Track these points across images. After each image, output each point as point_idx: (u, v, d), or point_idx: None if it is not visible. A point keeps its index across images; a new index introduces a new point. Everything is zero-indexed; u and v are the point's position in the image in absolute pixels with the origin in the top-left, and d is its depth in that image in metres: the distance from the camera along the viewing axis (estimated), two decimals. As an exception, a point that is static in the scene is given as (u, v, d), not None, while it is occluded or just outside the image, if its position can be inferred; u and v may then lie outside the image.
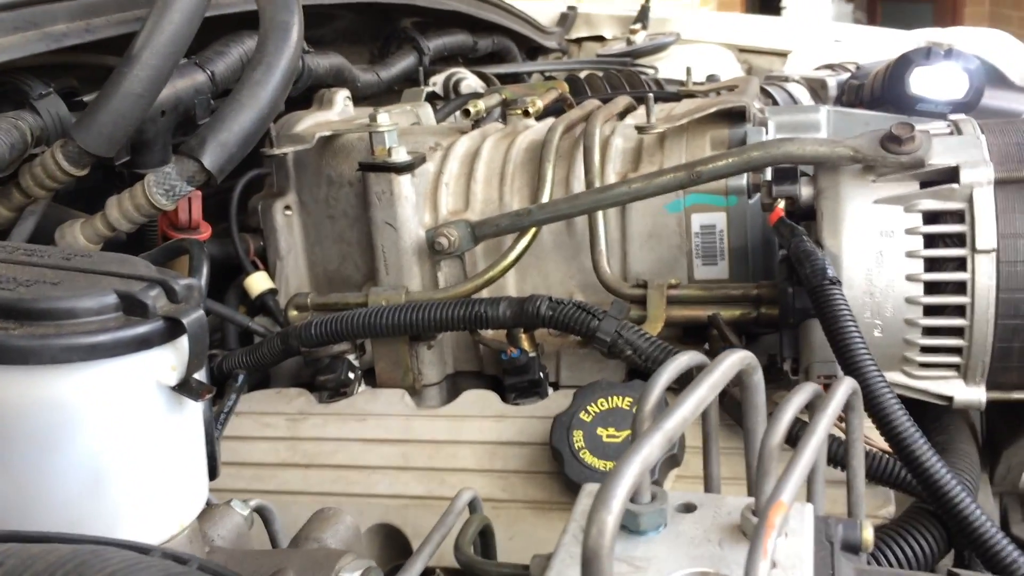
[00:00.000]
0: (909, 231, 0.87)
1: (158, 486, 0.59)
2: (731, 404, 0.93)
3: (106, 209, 1.01)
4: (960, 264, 0.86)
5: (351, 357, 1.12)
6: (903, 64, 1.38)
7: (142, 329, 0.57)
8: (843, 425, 0.66)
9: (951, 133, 0.92)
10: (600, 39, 2.63)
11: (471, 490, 0.73)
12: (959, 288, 0.86)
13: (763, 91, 1.73)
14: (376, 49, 1.85)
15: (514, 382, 1.08)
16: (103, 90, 0.94)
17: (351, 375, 1.11)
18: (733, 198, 1.10)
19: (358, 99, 1.46)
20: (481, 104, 1.38)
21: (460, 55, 2.00)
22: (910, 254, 0.87)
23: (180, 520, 0.62)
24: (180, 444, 0.61)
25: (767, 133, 1.15)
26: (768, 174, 1.01)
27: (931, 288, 0.87)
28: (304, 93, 1.39)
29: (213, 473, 0.68)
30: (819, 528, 0.52)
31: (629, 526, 0.52)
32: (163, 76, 0.95)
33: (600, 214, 1.11)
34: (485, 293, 1.13)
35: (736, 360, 0.54)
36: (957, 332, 0.87)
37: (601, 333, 0.98)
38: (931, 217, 0.87)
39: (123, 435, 0.57)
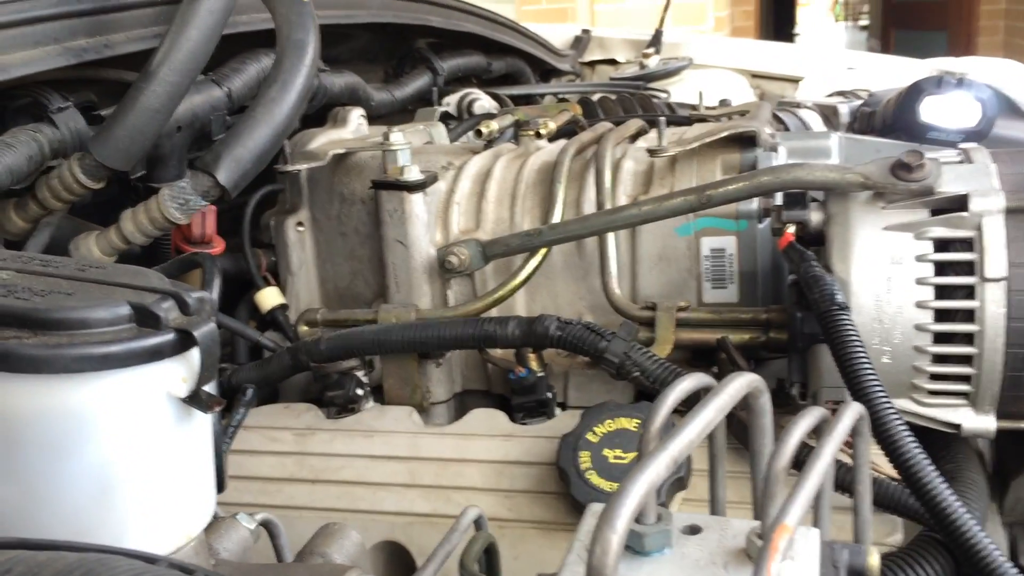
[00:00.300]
0: (919, 258, 0.87)
1: (166, 497, 0.60)
2: (739, 428, 0.93)
3: (120, 222, 1.02)
4: (970, 292, 0.86)
5: (360, 374, 1.13)
6: (914, 92, 1.38)
7: (154, 340, 0.58)
8: (850, 451, 0.66)
9: (961, 161, 0.92)
10: (613, 62, 2.65)
11: (476, 508, 0.73)
12: (968, 316, 0.86)
13: (775, 117, 1.74)
14: (391, 69, 1.86)
15: (522, 402, 1.08)
16: (121, 105, 0.95)
17: (359, 391, 1.11)
18: (743, 222, 1.10)
19: (372, 118, 1.47)
20: (494, 125, 1.39)
21: (474, 76, 2.01)
22: (920, 281, 0.87)
23: (187, 532, 0.62)
24: (189, 456, 0.62)
25: (778, 158, 1.15)
26: (778, 199, 1.01)
27: (940, 316, 0.87)
28: (319, 111, 1.40)
29: (220, 486, 0.68)
30: (825, 553, 0.52)
31: (634, 546, 0.52)
32: (180, 92, 0.97)
33: (610, 236, 1.11)
34: (495, 312, 1.14)
35: (743, 383, 0.54)
36: (966, 360, 0.87)
37: (609, 354, 0.98)
38: (941, 245, 0.87)
39: (133, 445, 0.57)
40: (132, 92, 0.95)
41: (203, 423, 0.63)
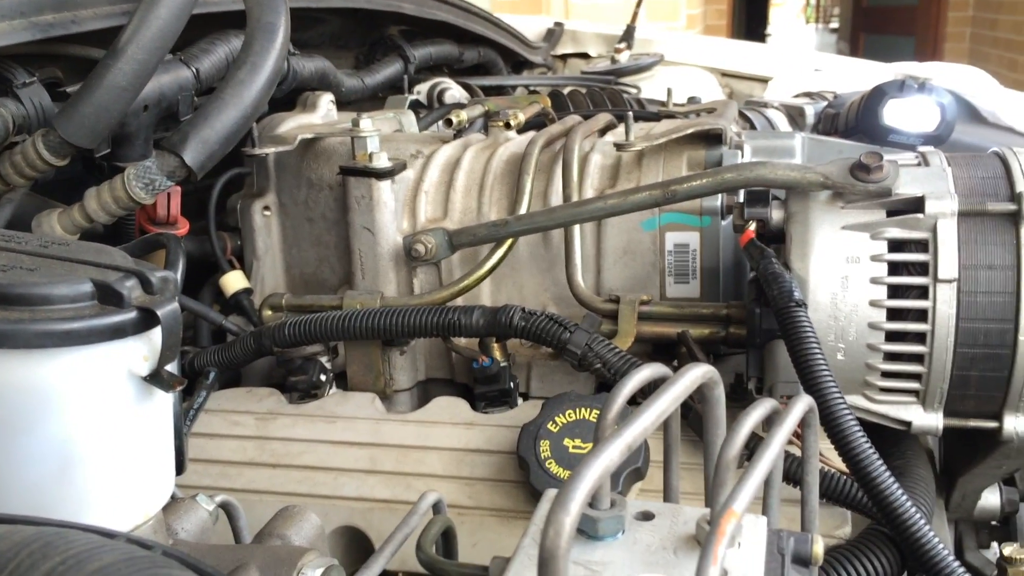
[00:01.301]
0: (874, 258, 0.90)
1: (125, 475, 0.60)
2: (696, 420, 0.95)
3: (84, 200, 1.01)
4: (922, 292, 0.88)
5: (323, 359, 1.13)
6: (877, 96, 1.41)
7: (117, 318, 0.58)
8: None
9: (919, 164, 0.94)
10: (585, 56, 2.67)
11: (435, 493, 0.73)
12: (920, 316, 0.88)
13: (742, 115, 1.76)
14: (362, 55, 1.86)
15: (484, 391, 1.09)
16: (87, 82, 0.94)
17: (323, 377, 1.11)
18: (707, 219, 1.12)
19: (342, 104, 1.47)
20: (464, 115, 1.39)
21: (445, 65, 2.01)
22: (875, 280, 0.89)
23: (145, 510, 0.62)
24: (149, 434, 0.62)
25: (743, 156, 1.17)
26: (741, 196, 1.03)
27: (893, 314, 0.89)
28: (288, 95, 1.40)
29: (180, 468, 0.68)
30: (771, 540, 0.54)
31: (588, 531, 0.53)
32: (148, 71, 0.96)
33: (576, 228, 1.13)
34: (460, 301, 1.15)
35: (698, 375, 0.55)
36: (917, 359, 0.90)
37: (572, 345, 0.99)
38: (896, 245, 0.90)
39: (93, 422, 0.57)
40: (99, 69, 0.94)
41: (164, 402, 0.63)
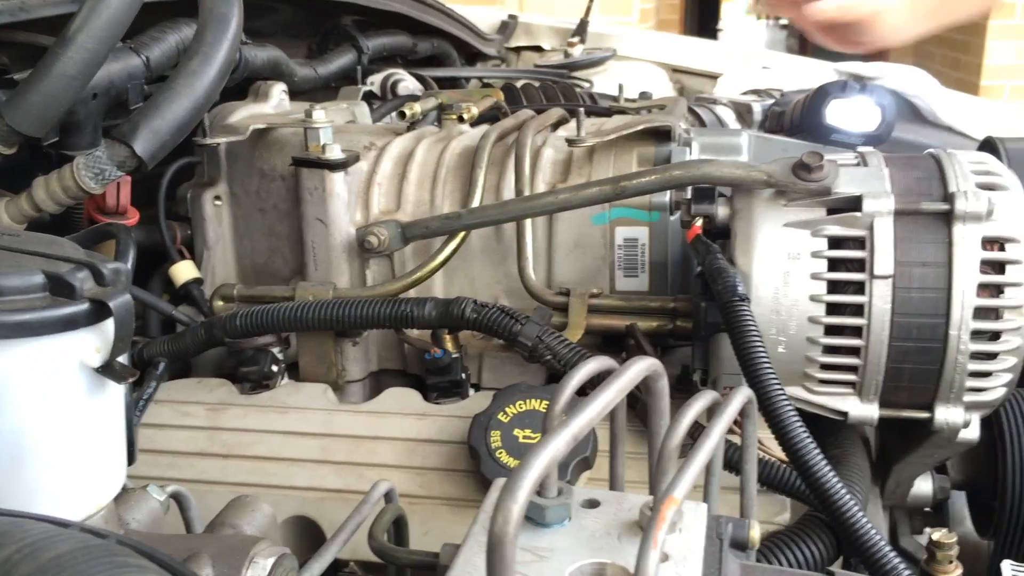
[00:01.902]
0: (815, 254, 0.93)
1: (76, 466, 0.60)
2: (643, 411, 0.97)
3: (32, 189, 1.00)
4: (859, 288, 0.91)
5: (275, 350, 1.13)
6: (820, 95, 1.45)
7: (68, 310, 0.58)
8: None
9: (858, 164, 0.98)
10: (539, 49, 2.68)
11: (387, 481, 0.75)
12: (857, 310, 0.92)
13: (692, 111, 1.79)
14: (315, 45, 1.85)
15: (436, 382, 1.10)
16: (36, 70, 0.93)
17: (274, 368, 1.12)
18: (656, 214, 1.14)
19: (295, 94, 1.47)
20: (417, 107, 1.40)
21: (399, 56, 2.01)
22: (814, 276, 0.92)
23: (96, 501, 0.62)
24: (100, 425, 0.62)
25: (691, 153, 1.19)
26: (688, 193, 1.06)
27: (832, 309, 0.93)
28: (240, 84, 1.39)
29: (131, 458, 0.68)
30: (711, 526, 0.56)
31: (535, 518, 0.55)
32: (98, 59, 0.95)
33: (528, 222, 1.14)
34: (412, 293, 1.16)
35: (643, 367, 0.57)
36: (854, 352, 0.93)
37: (523, 337, 1.01)
38: (835, 242, 0.93)
39: (44, 413, 0.57)
40: (48, 57, 0.93)
41: (115, 394, 0.64)
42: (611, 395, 0.53)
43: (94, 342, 0.60)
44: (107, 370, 0.60)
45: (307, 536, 1.01)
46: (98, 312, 0.59)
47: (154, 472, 1.02)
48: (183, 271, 1.25)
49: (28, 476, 0.57)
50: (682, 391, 1.04)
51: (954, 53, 6.21)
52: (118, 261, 0.66)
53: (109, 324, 0.60)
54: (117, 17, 0.95)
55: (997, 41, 5.72)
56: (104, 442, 0.63)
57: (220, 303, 1.20)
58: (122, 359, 0.62)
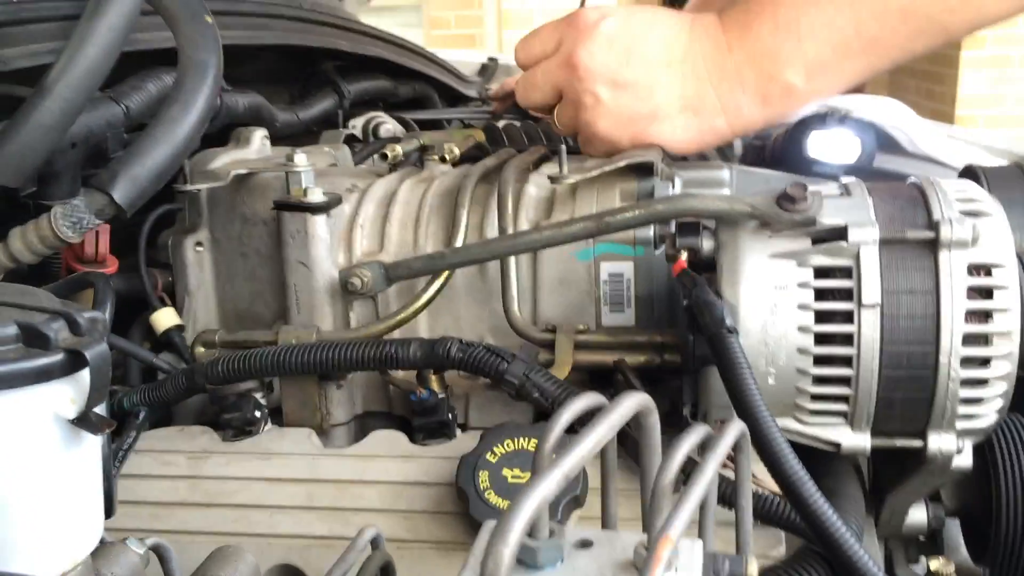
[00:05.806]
0: (801, 285, 0.92)
1: (52, 520, 0.58)
2: (634, 447, 0.96)
3: (9, 240, 0.99)
4: (848, 317, 0.91)
5: (258, 395, 1.11)
6: (801, 128, 1.45)
7: (42, 361, 0.56)
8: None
9: (841, 194, 0.98)
10: (519, 90, 2.69)
11: (373, 528, 0.73)
12: (846, 340, 0.91)
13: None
14: (296, 90, 1.85)
15: (423, 423, 1.08)
16: (13, 120, 0.93)
17: (257, 413, 1.10)
18: (640, 248, 1.14)
19: (276, 139, 1.46)
20: (399, 149, 1.40)
21: (380, 99, 2.02)
22: (802, 306, 0.92)
23: (73, 556, 0.60)
24: (76, 478, 0.60)
25: (673, 188, 1.19)
26: (673, 227, 1.05)
27: (821, 339, 0.92)
28: (221, 131, 1.39)
29: (109, 511, 0.67)
30: (707, 563, 0.55)
31: (527, 560, 0.53)
32: (76, 109, 0.95)
33: (512, 260, 1.14)
34: (397, 334, 1.14)
35: (633, 403, 0.56)
36: (844, 381, 0.92)
37: (509, 376, 0.99)
38: (822, 272, 0.92)
39: (18, 467, 0.56)
40: (25, 107, 0.92)
41: (92, 445, 0.62)
42: (602, 432, 0.52)
43: (69, 393, 0.58)
44: (83, 421, 0.59)
45: (294, 586, 0.98)
46: (73, 362, 0.58)
47: (134, 524, 0.99)
48: (164, 318, 1.24)
49: (1, 532, 0.55)
50: (673, 425, 1.03)
51: (928, 84, 6.31)
52: (96, 310, 0.65)
53: (85, 374, 0.59)
54: (95, 67, 0.95)
55: (971, 71, 5.82)
56: (81, 495, 0.61)
57: (202, 349, 1.19)
58: (99, 409, 0.60)
